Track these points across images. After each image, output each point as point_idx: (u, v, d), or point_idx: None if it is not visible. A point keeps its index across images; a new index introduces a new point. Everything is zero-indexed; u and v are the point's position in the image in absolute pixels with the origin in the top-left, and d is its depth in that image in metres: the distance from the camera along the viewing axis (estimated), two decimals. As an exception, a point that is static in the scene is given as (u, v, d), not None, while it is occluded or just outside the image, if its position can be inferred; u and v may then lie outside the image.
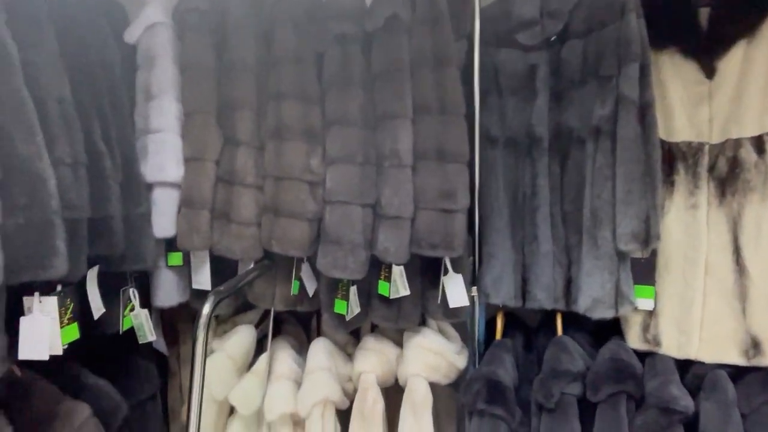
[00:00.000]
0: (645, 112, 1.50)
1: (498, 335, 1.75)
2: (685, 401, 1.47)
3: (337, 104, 1.48)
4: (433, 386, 1.67)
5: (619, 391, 1.51)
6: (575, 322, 1.67)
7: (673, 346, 1.56)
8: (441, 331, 1.78)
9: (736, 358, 1.50)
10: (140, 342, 1.62)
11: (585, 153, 1.57)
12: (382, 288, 1.56)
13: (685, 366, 1.58)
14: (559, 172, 1.63)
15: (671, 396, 1.47)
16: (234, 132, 1.55)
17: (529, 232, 1.65)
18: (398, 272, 1.53)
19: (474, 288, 1.73)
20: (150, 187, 1.56)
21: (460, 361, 1.71)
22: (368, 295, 1.65)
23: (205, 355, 1.23)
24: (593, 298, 1.55)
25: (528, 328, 1.86)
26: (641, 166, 1.50)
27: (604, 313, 1.54)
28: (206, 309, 1.23)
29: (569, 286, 1.63)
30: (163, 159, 1.53)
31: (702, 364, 1.54)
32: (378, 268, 1.58)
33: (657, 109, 1.55)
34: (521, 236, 1.67)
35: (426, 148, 1.46)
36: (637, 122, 1.49)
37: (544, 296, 1.64)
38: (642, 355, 1.61)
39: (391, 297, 1.55)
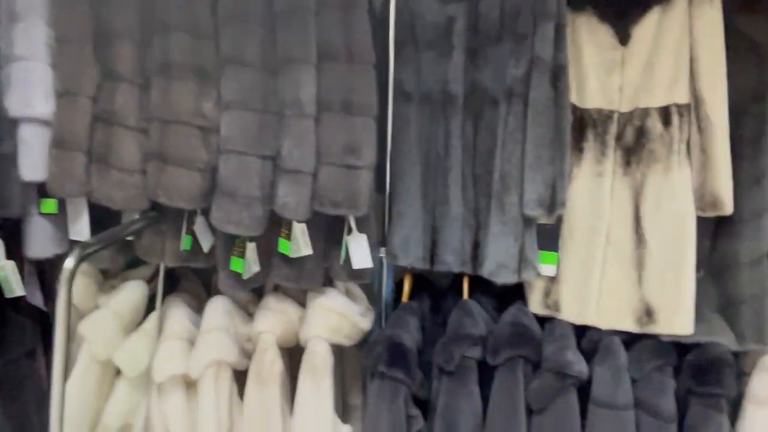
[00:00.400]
0: (558, 75, 1.40)
1: (405, 297, 1.65)
2: (579, 366, 1.43)
3: (233, 42, 1.28)
4: (342, 347, 1.57)
5: (516, 355, 1.45)
6: (484, 285, 1.59)
7: (572, 312, 1.52)
8: (348, 292, 1.66)
9: (630, 325, 1.48)
10: (7, 296, 1.40)
11: (498, 115, 1.46)
12: (283, 246, 1.42)
13: (583, 331, 1.54)
14: (473, 133, 1.51)
15: (566, 361, 1.43)
16: (113, 65, 1.32)
17: (440, 193, 1.55)
18: (300, 230, 1.38)
19: (382, 249, 1.62)
20: (15, 123, 1.32)
21: (365, 322, 1.60)
22: (269, 253, 1.49)
23: (68, 316, 1.05)
24: (498, 262, 1.47)
25: (437, 291, 1.78)
26: (551, 131, 1.41)
27: (507, 277, 1.47)
28: (68, 264, 1.04)
29: (477, 250, 1.54)
30: (30, 91, 1.28)
31: (598, 329, 1.51)
32: (279, 224, 1.43)
33: (571, 74, 1.46)
34: (433, 197, 1.56)
35: (331, 98, 1.30)
36: (549, 85, 1.39)
37: (452, 259, 1.55)
38: (544, 320, 1.56)
39: (291, 256, 1.40)
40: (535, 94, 1.39)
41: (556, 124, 1.41)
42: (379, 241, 1.65)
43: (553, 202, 1.43)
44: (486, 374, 1.48)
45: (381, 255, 1.65)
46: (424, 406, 1.53)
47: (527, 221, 1.47)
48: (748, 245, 1.45)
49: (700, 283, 1.48)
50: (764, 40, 1.41)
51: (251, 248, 1.40)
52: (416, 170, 1.56)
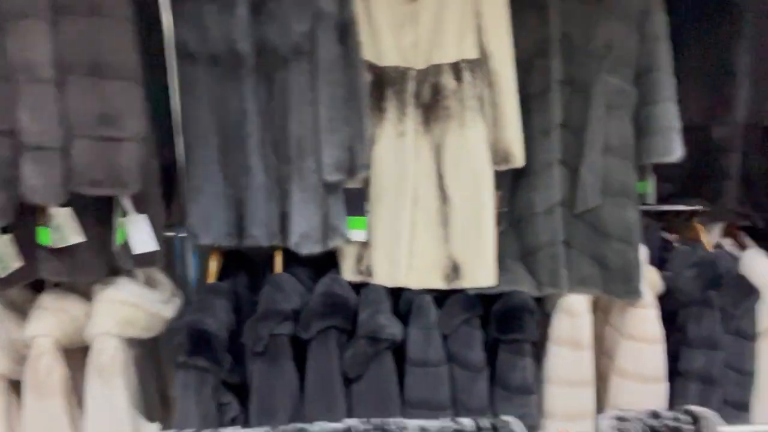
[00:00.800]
0: (345, 31, 1.31)
1: (211, 278, 1.51)
2: (391, 329, 1.40)
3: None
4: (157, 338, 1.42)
5: (328, 326, 1.39)
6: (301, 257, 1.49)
7: (384, 275, 1.48)
8: (149, 279, 1.49)
9: (439, 283, 1.47)
10: None
11: (289, 75, 1.34)
12: (43, 236, 1.20)
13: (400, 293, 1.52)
14: (267, 96, 1.38)
15: (378, 325, 1.39)
16: None
17: (241, 162, 1.41)
18: (63, 215, 1.18)
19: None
20: None
21: (168, 310, 1.45)
22: (36, 244, 1.27)
23: None
24: (301, 233, 1.38)
25: (255, 267, 1.66)
26: (344, 90, 1.32)
27: (312, 248, 1.39)
28: None
29: (285, 221, 1.44)
30: None
31: (411, 290, 1.49)
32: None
33: (365, 31, 1.38)
34: (234, 167, 1.42)
35: (74, 59, 1.09)
36: (336, 42, 1.30)
37: (260, 233, 1.44)
38: (362, 287, 1.51)
39: (54, 246, 1.20)
40: (322, 52, 1.29)
41: (349, 83, 1.33)
42: (179, 219, 1.49)
43: (353, 165, 1.36)
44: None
45: (181, 235, 1.49)
46: (244, 390, 1.43)
47: (330, 187, 1.39)
48: (542, 195, 1.49)
49: (502, 235, 1.51)
50: (544, -5, 1.42)
51: (4, 241, 1.17)
52: (212, 139, 1.41)
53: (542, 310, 1.55)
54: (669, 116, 1.42)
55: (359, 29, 1.34)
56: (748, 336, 1.55)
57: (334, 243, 1.41)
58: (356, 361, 1.40)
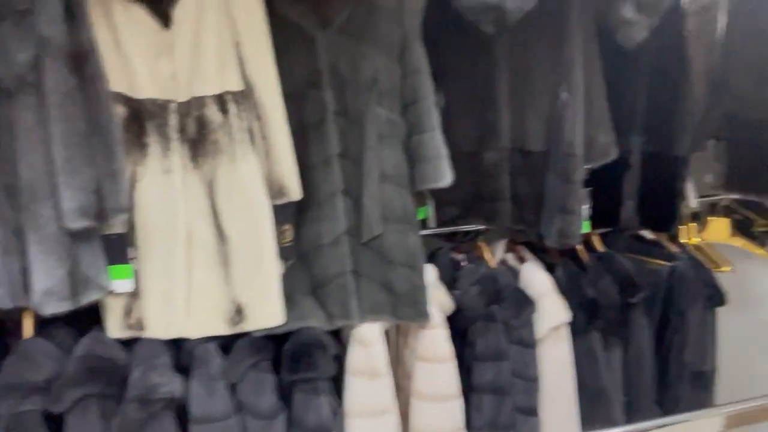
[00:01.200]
0: (80, 61, 1.17)
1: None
2: (167, 387, 1.26)
3: None
4: None
5: (86, 394, 1.21)
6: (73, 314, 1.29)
7: (158, 327, 1.34)
8: None
9: (222, 328, 1.37)
10: None
11: (14, 110, 1.16)
12: None
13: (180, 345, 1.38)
14: (-6, 134, 1.19)
15: (150, 384, 1.25)
16: None
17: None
18: None
19: None
20: None
21: None
22: None
23: None
24: (43, 290, 1.19)
25: (6, 332, 1.41)
26: (83, 126, 1.17)
27: (59, 306, 1.20)
28: None
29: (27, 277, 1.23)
30: None
31: (192, 339, 1.37)
32: None
33: (113, 60, 1.25)
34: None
35: None
36: (68, 72, 1.15)
37: (1, 293, 1.22)
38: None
39: None
40: (51, 84, 1.13)
41: (91, 118, 1.18)
42: None
43: (102, 208, 1.20)
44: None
45: None
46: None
47: (78, 235, 1.22)
48: (327, 226, 1.47)
49: (291, 269, 1.46)
50: (306, 24, 1.41)
51: None
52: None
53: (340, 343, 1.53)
54: (436, 144, 1.48)
55: (102, 58, 1.21)
56: (529, 344, 1.66)
57: (88, 297, 1.24)
58: (126, 430, 1.24)
